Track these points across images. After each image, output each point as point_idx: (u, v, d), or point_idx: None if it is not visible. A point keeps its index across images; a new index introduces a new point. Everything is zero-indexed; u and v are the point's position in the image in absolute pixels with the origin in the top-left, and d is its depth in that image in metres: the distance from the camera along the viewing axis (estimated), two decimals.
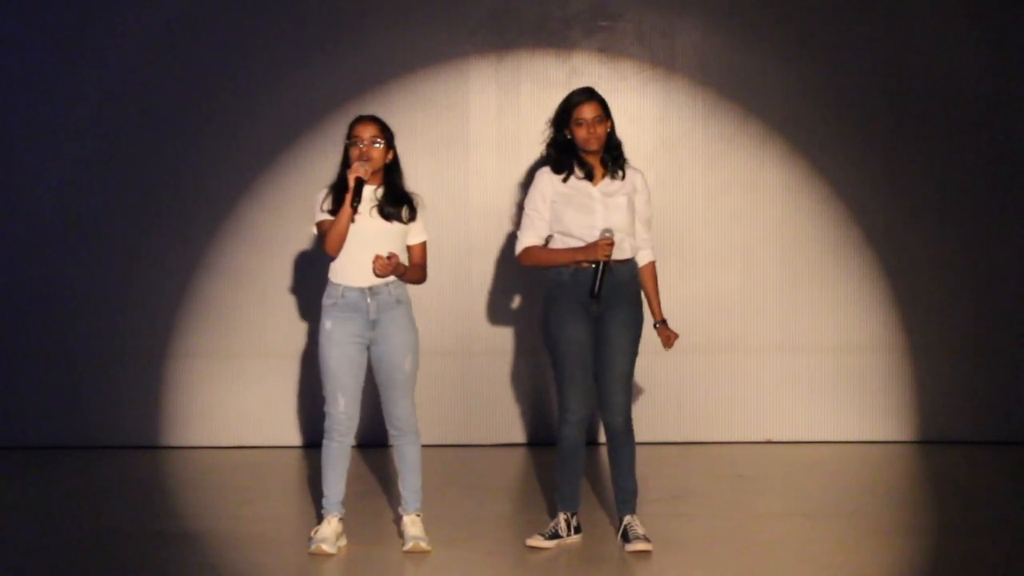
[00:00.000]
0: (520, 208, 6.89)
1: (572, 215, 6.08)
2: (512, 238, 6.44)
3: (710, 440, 8.55)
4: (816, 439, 8.55)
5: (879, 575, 5.78)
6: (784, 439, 8.56)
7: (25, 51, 8.53)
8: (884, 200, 8.53)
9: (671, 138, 8.55)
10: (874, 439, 8.53)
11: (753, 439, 8.56)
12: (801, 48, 8.52)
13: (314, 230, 6.19)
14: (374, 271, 6.04)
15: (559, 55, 8.54)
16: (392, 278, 6.10)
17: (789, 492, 7.35)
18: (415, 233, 6.20)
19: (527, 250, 6.17)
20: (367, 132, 6.09)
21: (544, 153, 6.22)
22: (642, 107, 8.53)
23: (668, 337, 6.25)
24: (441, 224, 8.43)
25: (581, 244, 6.06)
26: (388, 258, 5.99)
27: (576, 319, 6.08)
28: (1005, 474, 7.79)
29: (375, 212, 6.08)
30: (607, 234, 6.00)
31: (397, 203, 6.12)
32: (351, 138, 6.11)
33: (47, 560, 6.05)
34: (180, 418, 8.60)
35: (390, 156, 6.14)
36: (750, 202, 8.56)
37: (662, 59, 8.53)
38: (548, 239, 6.18)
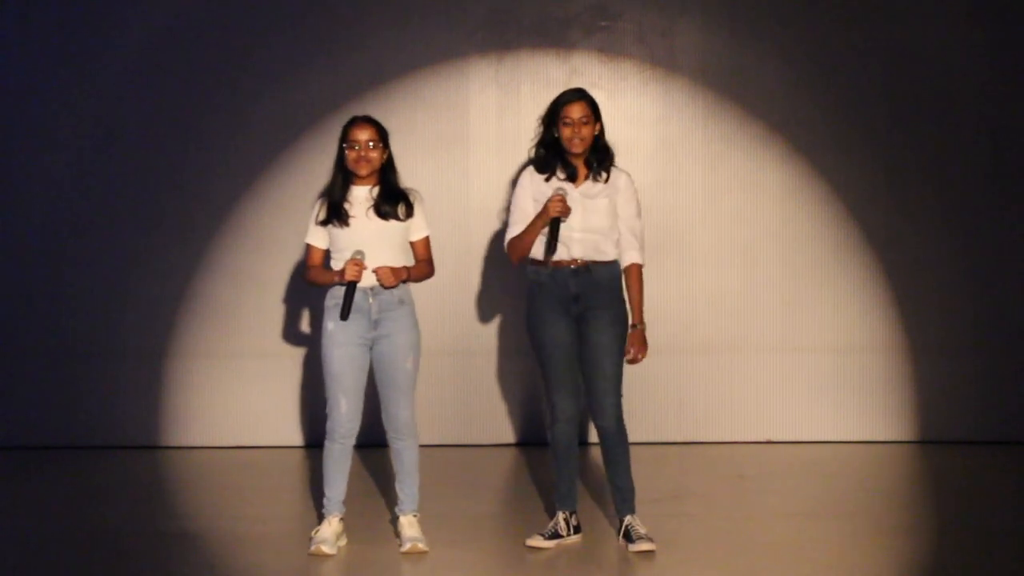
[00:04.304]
0: (508, 208, 6.88)
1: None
2: None
3: (710, 440, 8.55)
4: (816, 439, 8.55)
5: (879, 575, 5.78)
6: (784, 439, 8.56)
7: (25, 51, 8.53)
8: (884, 200, 8.53)
9: (671, 138, 8.55)
10: (874, 439, 8.53)
11: (753, 439, 8.56)
12: (801, 48, 8.52)
13: (306, 243, 6.17)
14: (380, 284, 6.02)
15: (559, 55, 8.54)
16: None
17: (789, 492, 7.34)
18: (416, 229, 6.18)
19: (510, 243, 6.17)
20: (364, 135, 6.08)
21: (531, 151, 6.20)
22: (642, 107, 8.53)
23: (636, 348, 6.08)
24: (441, 224, 8.43)
25: (559, 243, 6.03)
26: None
27: (556, 319, 6.08)
28: (1005, 474, 7.78)
29: (371, 212, 6.07)
30: (560, 191, 5.99)
31: (392, 201, 6.10)
32: (347, 141, 6.10)
33: (47, 560, 6.05)
34: (180, 418, 8.60)
35: (385, 156, 6.14)
36: (750, 202, 8.56)
37: (662, 59, 8.53)
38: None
